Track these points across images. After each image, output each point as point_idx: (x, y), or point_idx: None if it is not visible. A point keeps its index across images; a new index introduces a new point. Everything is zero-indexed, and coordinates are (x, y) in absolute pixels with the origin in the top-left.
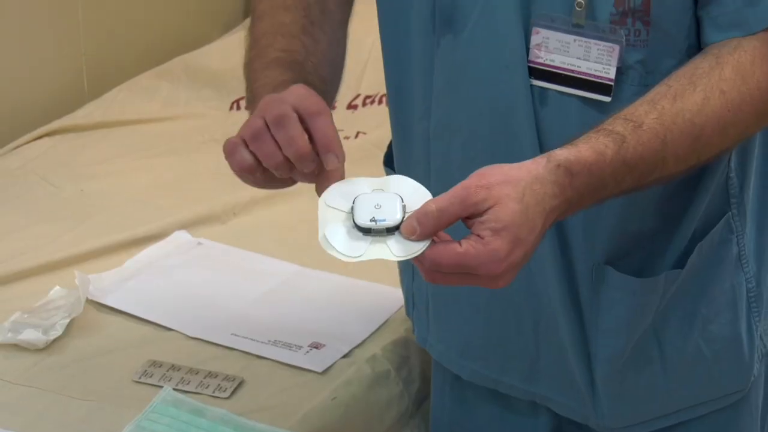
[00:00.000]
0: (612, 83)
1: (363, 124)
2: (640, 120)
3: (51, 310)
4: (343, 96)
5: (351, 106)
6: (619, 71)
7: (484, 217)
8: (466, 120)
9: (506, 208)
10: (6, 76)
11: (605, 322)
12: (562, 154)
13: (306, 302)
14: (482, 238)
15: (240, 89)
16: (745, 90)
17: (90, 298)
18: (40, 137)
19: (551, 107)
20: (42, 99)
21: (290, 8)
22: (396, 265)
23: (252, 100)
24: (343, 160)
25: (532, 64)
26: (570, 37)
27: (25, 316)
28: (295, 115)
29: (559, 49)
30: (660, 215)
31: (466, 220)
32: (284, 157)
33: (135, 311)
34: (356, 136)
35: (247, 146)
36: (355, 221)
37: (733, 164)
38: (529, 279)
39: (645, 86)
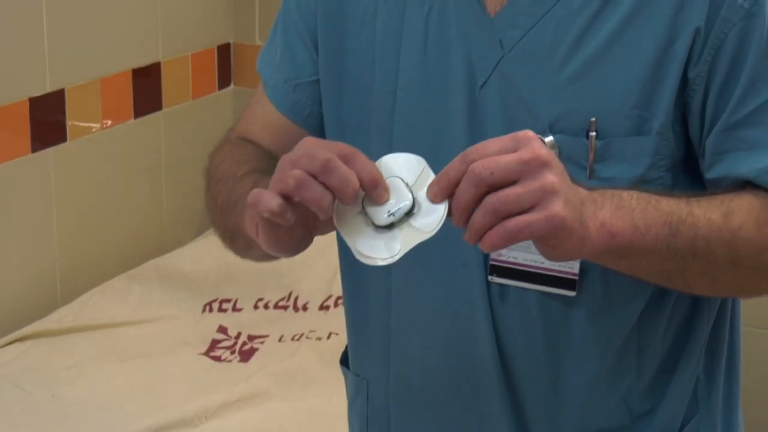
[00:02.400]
0: (576, 278)
1: (336, 325)
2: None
3: None
4: (315, 297)
5: (323, 307)
6: (583, 266)
7: None
8: (423, 316)
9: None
10: None
11: None
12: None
13: None
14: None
15: (213, 291)
16: None
17: None
18: (11, 342)
19: (511, 304)
20: (14, 304)
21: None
22: None
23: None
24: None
25: (495, 262)
26: None
27: None
28: (337, 158)
29: (521, 247)
30: (626, 414)
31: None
32: (333, 199)
33: None
34: (329, 337)
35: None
36: (376, 223)
37: (702, 366)
38: None
39: (607, 280)
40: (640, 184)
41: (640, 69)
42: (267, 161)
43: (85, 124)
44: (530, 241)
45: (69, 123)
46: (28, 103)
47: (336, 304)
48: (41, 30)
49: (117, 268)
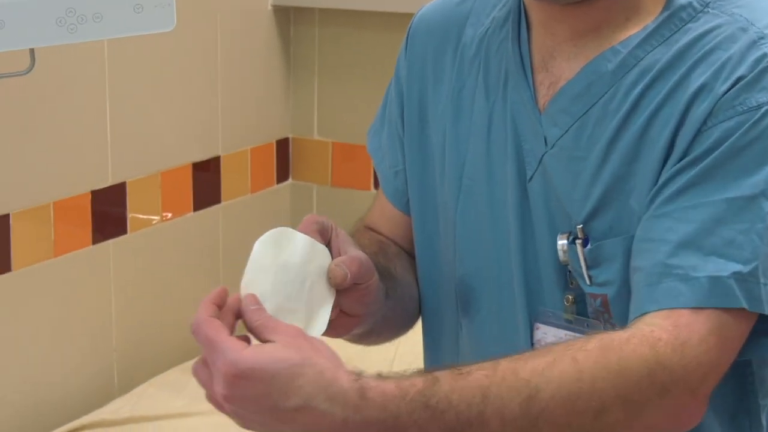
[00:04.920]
0: None
1: None
2: (469, 370)
3: None
4: None
5: None
6: None
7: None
8: None
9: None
10: (37, 371)
11: None
12: (370, 376)
13: None
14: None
15: None
16: (603, 362)
17: None
18: None
19: None
20: (72, 394)
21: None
22: None
23: None
24: None
25: None
26: (562, 332)
27: None
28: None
29: (554, 344)
30: None
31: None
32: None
33: None
34: None
35: None
36: None
37: None
38: None
39: None
40: None
41: (655, 165)
42: (383, 254)
43: (145, 217)
44: (561, 338)
45: (129, 215)
46: (90, 196)
47: None
48: (104, 125)
49: (174, 360)
